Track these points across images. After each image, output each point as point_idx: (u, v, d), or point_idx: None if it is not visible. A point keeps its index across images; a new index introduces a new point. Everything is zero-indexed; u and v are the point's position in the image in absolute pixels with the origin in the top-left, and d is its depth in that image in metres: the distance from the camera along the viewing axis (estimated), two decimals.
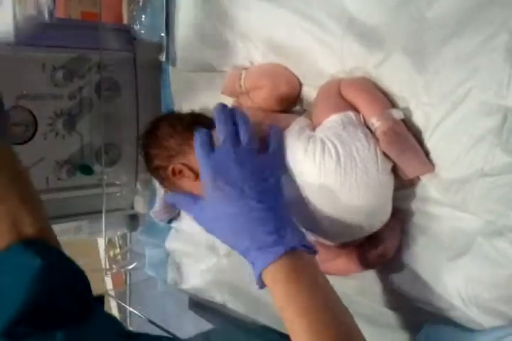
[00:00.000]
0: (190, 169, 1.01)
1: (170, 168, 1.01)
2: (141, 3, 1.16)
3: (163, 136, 1.03)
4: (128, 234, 1.48)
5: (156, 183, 1.23)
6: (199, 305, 1.35)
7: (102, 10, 1.29)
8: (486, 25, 0.73)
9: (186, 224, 1.20)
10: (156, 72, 1.28)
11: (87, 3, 1.65)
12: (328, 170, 0.81)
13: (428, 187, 0.86)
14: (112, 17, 1.44)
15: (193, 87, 1.15)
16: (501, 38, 0.71)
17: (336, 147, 0.82)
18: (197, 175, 1.01)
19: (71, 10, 1.56)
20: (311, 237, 0.88)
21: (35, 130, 1.18)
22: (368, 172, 0.81)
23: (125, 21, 1.37)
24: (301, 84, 0.98)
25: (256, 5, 0.97)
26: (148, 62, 1.28)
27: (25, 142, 1.18)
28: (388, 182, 0.84)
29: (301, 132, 0.87)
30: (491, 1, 0.72)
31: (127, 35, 1.26)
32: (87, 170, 1.24)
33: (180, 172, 1.02)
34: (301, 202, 0.84)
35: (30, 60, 1.14)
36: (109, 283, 1.81)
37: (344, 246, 0.90)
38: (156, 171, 1.06)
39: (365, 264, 0.90)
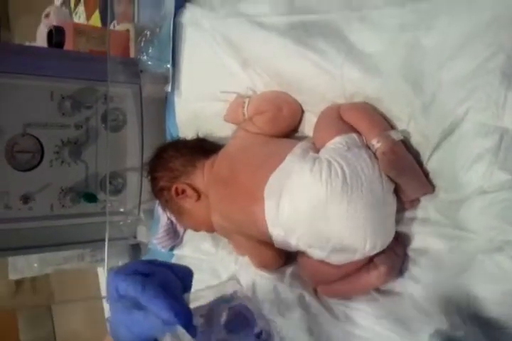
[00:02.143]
0: (193, 189, 1.03)
1: (173, 188, 1.03)
2: (148, 36, 1.20)
3: (169, 159, 1.06)
4: None
5: (159, 211, 1.24)
6: None
7: (110, 45, 1.33)
8: (482, 48, 0.77)
9: (189, 250, 1.21)
10: (161, 103, 1.31)
11: (95, 42, 1.70)
12: (335, 190, 0.83)
13: (428, 208, 0.88)
14: (119, 52, 1.48)
15: (198, 118, 1.18)
16: (497, 60, 0.75)
17: (342, 167, 0.84)
18: (200, 195, 1.03)
19: (80, 47, 1.61)
20: (318, 256, 0.89)
21: (42, 157, 1.20)
22: (374, 192, 0.83)
23: (132, 55, 1.41)
24: (302, 110, 1.01)
25: (259, 35, 1.01)
26: (153, 94, 1.31)
27: (32, 169, 1.19)
28: (392, 201, 0.86)
29: (305, 154, 0.90)
30: (486, 25, 0.76)
31: (134, 68, 1.29)
32: (92, 198, 1.25)
33: (183, 192, 1.04)
34: (307, 220, 0.86)
35: (39, 89, 1.17)
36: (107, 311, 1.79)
37: (348, 266, 0.90)
38: (160, 193, 1.08)
39: (367, 285, 0.91)
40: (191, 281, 0.67)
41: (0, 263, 1.51)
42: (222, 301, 0.74)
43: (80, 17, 2.13)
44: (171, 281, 0.63)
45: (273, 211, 0.88)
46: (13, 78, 1.15)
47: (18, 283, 2.65)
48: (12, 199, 1.18)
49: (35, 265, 1.36)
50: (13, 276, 1.41)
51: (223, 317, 0.71)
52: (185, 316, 0.59)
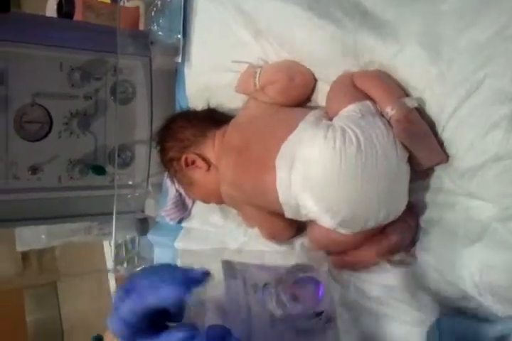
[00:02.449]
0: (203, 159, 1.02)
1: (183, 158, 1.02)
2: (159, 6, 1.19)
3: (179, 129, 1.05)
4: (137, 238, 1.48)
5: (168, 183, 1.24)
6: None
7: (120, 17, 1.31)
8: (501, 14, 0.75)
9: (197, 223, 1.21)
10: (171, 76, 1.30)
11: (105, 18, 1.69)
12: (349, 156, 0.81)
13: (442, 178, 0.87)
14: (129, 25, 1.47)
15: (209, 89, 1.17)
16: None
17: (356, 134, 0.82)
18: (209, 166, 1.02)
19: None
20: (330, 225, 0.88)
21: (51, 128, 1.19)
22: (388, 160, 0.82)
23: (141, 28, 1.39)
24: (315, 79, 0.99)
25: (272, 4, 0.99)
26: (163, 67, 1.30)
27: (40, 139, 1.19)
28: (406, 170, 0.85)
29: (318, 121, 0.88)
30: None
31: (144, 40, 1.28)
32: (100, 170, 1.25)
33: (193, 162, 1.03)
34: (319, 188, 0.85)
35: (48, 59, 1.16)
36: (112, 285, 1.81)
37: (359, 236, 0.89)
38: (169, 163, 1.07)
39: (378, 255, 0.90)
40: None
41: (7, 235, 1.51)
42: (297, 269, 0.74)
43: None
44: None
45: (284, 179, 0.87)
46: (23, 47, 1.13)
47: (25, 260, 2.67)
48: (20, 170, 1.17)
49: (43, 237, 1.36)
50: (20, 248, 1.41)
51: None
52: None
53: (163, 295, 0.58)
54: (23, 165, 1.17)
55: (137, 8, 1.65)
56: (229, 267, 0.77)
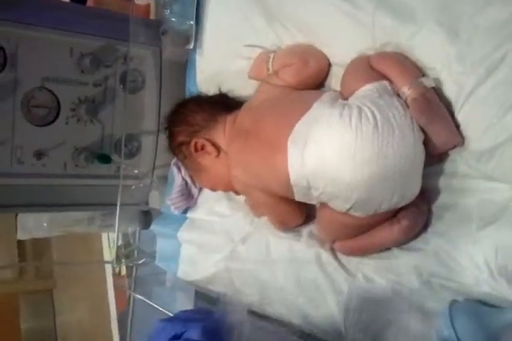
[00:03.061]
0: (213, 144, 1.00)
1: (193, 143, 1.01)
2: None
3: (189, 113, 1.03)
4: (137, 232, 1.46)
5: (174, 171, 1.22)
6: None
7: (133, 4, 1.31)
8: None
9: (203, 213, 1.18)
10: (181, 67, 1.29)
11: (116, 6, 1.69)
12: (366, 135, 0.79)
13: (456, 162, 0.85)
14: (141, 14, 1.47)
15: (220, 76, 1.15)
16: None
17: (373, 112, 0.80)
18: (219, 151, 1.01)
19: None
20: (342, 208, 0.85)
21: (58, 114, 1.18)
22: (405, 140, 0.80)
23: (153, 17, 1.39)
24: (330, 63, 0.98)
25: None
26: (174, 58, 1.29)
27: (47, 125, 1.17)
28: (422, 152, 0.82)
29: (333, 101, 0.87)
30: None
31: (155, 30, 1.27)
32: (106, 159, 1.23)
33: (203, 147, 1.01)
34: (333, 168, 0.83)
35: (58, 43, 1.15)
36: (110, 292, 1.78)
37: (370, 219, 0.87)
38: (178, 148, 1.05)
39: (389, 240, 0.88)
40: None
41: (8, 223, 1.48)
42: None
43: None
44: None
45: (297, 160, 0.85)
46: (34, 30, 1.13)
47: (22, 267, 2.64)
48: (25, 154, 1.16)
49: (45, 225, 1.34)
50: (21, 236, 1.39)
51: None
52: None
53: None
54: (28, 149, 1.16)
55: (148, 5, 1.65)
56: None
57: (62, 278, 2.72)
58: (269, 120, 0.92)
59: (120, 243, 1.52)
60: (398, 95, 0.85)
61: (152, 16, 1.59)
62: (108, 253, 1.91)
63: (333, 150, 0.82)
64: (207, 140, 1.01)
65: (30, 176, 1.17)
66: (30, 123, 1.15)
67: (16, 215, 1.41)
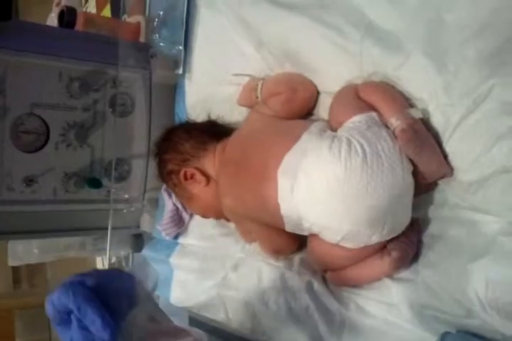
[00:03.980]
0: (203, 173, 1.00)
1: (182, 172, 1.00)
2: (162, 17, 1.18)
3: (178, 141, 1.03)
4: (131, 255, 1.45)
5: (165, 196, 1.21)
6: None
7: (121, 30, 1.31)
8: (508, 23, 0.74)
9: (194, 238, 1.18)
10: (171, 90, 1.29)
11: (105, 33, 1.68)
12: (354, 168, 0.79)
13: (445, 191, 0.85)
14: (129, 38, 1.46)
15: (209, 102, 1.16)
16: None
17: (362, 145, 0.80)
18: (209, 180, 1.00)
19: None
20: (332, 239, 0.85)
21: (47, 139, 1.18)
22: (394, 172, 0.80)
23: (142, 40, 1.39)
24: (318, 91, 0.98)
25: (275, 13, 0.99)
26: (163, 81, 1.29)
27: (36, 151, 1.17)
28: (411, 183, 0.82)
29: (322, 132, 0.87)
30: None
31: (145, 53, 1.27)
32: (96, 183, 1.22)
33: (192, 176, 1.01)
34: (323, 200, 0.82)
35: (47, 69, 1.15)
36: None
37: (361, 251, 0.87)
38: (168, 176, 1.05)
39: (380, 271, 0.87)
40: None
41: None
42: None
43: (90, 12, 2.12)
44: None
45: (287, 191, 0.85)
46: (22, 56, 1.12)
47: (16, 283, 2.63)
48: (15, 181, 1.15)
49: (35, 251, 1.33)
50: (12, 263, 1.38)
51: None
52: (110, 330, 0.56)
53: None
54: (17, 176, 1.15)
55: (138, 23, 1.64)
56: None
57: None
58: (258, 151, 0.92)
59: (112, 264, 1.51)
60: (386, 126, 0.84)
61: (142, 35, 1.59)
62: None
63: (323, 183, 0.81)
64: (196, 169, 1.01)
65: (20, 203, 1.16)
66: (19, 149, 1.15)
67: (6, 242, 1.40)
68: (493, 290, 0.74)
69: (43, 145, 1.17)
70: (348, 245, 0.85)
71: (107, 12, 1.92)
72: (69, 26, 1.39)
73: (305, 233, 0.91)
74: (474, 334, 0.78)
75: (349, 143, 0.81)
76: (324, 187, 0.81)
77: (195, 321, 1.20)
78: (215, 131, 1.05)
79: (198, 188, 1.02)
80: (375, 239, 0.83)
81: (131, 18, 1.71)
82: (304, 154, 0.84)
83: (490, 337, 0.77)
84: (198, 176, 1.00)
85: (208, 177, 1.01)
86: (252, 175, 0.91)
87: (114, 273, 0.65)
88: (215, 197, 1.00)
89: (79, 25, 1.52)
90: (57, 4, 1.79)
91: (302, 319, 0.95)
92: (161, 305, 1.25)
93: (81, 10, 2.10)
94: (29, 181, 1.16)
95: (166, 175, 1.07)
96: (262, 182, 0.88)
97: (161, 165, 1.08)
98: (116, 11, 1.84)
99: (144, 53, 1.27)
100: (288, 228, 0.90)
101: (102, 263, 1.61)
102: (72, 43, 1.21)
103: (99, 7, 2.01)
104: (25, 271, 2.60)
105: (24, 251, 1.33)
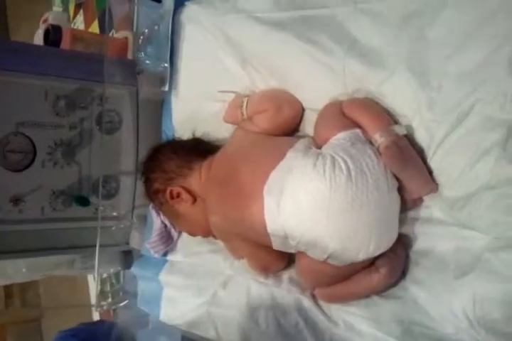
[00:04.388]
0: (189, 192, 1.00)
1: (168, 191, 1.00)
2: (147, 34, 1.18)
3: (164, 159, 1.03)
4: (121, 272, 1.44)
5: (153, 214, 1.21)
6: None
7: (107, 46, 1.31)
8: (488, 39, 0.74)
9: (183, 255, 1.17)
10: (158, 107, 1.28)
11: (93, 48, 1.68)
12: (339, 186, 0.79)
13: (431, 207, 0.85)
14: (117, 54, 1.47)
15: (195, 118, 1.15)
16: (505, 51, 0.73)
17: (346, 162, 0.80)
18: (195, 199, 1.00)
19: None
20: (319, 257, 0.85)
21: (34, 158, 1.17)
22: (379, 188, 0.80)
23: (130, 57, 1.39)
24: (303, 108, 0.98)
25: (258, 30, 0.99)
26: (150, 97, 1.28)
27: (23, 169, 1.16)
28: (397, 200, 0.83)
29: (307, 150, 0.86)
30: (492, 15, 0.74)
31: (131, 69, 1.27)
32: (84, 201, 1.22)
33: (178, 195, 1.01)
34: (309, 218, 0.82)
35: (33, 87, 1.15)
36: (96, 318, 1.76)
37: (348, 268, 0.86)
38: (154, 195, 1.05)
39: (368, 288, 0.87)
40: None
41: None
42: None
43: (78, 27, 2.12)
44: None
45: (273, 209, 0.85)
46: (7, 75, 1.12)
47: (8, 298, 2.61)
48: (2, 201, 1.14)
49: (24, 270, 1.32)
50: (1, 282, 1.36)
51: None
52: None
53: None
54: (4, 196, 1.14)
55: (126, 39, 1.65)
56: None
57: (49, 308, 2.69)
58: (243, 169, 0.92)
59: (104, 279, 1.50)
60: (371, 142, 0.84)
61: (130, 50, 1.59)
62: (93, 286, 1.89)
63: (308, 201, 0.81)
64: (182, 187, 1.00)
65: (7, 223, 1.15)
66: (6, 168, 1.14)
67: None
68: (480, 307, 0.74)
69: (30, 164, 1.17)
70: (335, 262, 0.85)
71: (95, 27, 1.93)
72: (54, 44, 1.39)
73: (292, 251, 0.91)
74: None
75: (333, 160, 0.81)
76: (310, 205, 0.81)
77: (187, 339, 1.20)
78: (200, 149, 1.05)
79: (184, 207, 1.02)
80: (362, 256, 0.83)
81: (119, 34, 1.72)
82: (289, 172, 0.84)
83: None
84: (184, 195, 1.00)
85: (194, 196, 1.01)
86: (238, 193, 0.90)
87: (99, 324, 0.68)
88: (202, 216, 0.99)
89: (66, 42, 1.52)
90: (44, 21, 1.79)
91: (292, 336, 0.94)
92: (151, 323, 1.26)
93: (69, 25, 2.11)
94: (16, 200, 1.15)
95: (152, 194, 1.07)
96: (248, 200, 0.88)
97: (147, 184, 1.08)
98: (104, 26, 1.84)
99: (130, 69, 1.27)
100: (275, 246, 0.90)
101: (93, 277, 1.60)
102: (58, 61, 1.20)
103: (87, 22, 2.02)
104: (17, 287, 2.58)
105: (12, 271, 1.32)
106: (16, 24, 2.52)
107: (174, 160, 1.03)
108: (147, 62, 1.18)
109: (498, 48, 0.73)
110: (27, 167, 1.17)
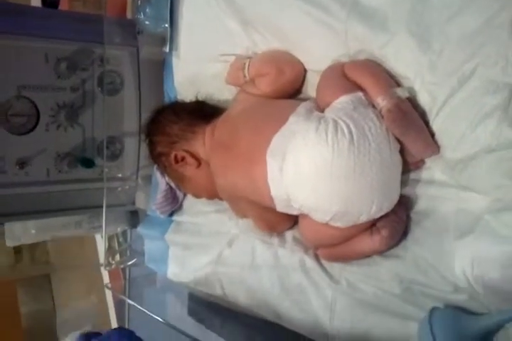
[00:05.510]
0: (193, 156, 1.00)
1: (172, 155, 1.01)
2: None
3: (167, 123, 1.03)
4: (128, 231, 1.47)
5: (158, 176, 1.22)
6: (198, 311, 1.34)
7: (106, 7, 1.29)
8: (490, 2, 0.73)
9: (188, 215, 1.19)
10: (159, 66, 1.28)
11: (92, 6, 1.66)
12: (342, 149, 0.80)
13: (433, 169, 0.86)
14: (117, 13, 1.45)
15: (197, 79, 1.15)
16: (506, 14, 0.71)
17: (348, 126, 0.81)
18: (199, 162, 1.01)
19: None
20: (321, 219, 0.86)
21: (38, 121, 1.18)
22: (381, 152, 0.81)
23: (129, 16, 1.37)
24: (305, 70, 0.97)
25: None
26: (151, 57, 1.28)
27: (27, 133, 1.17)
28: (399, 162, 0.83)
29: (309, 114, 0.87)
30: None
31: (131, 29, 1.26)
32: (89, 163, 1.23)
33: (183, 159, 1.01)
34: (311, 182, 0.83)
35: (33, 50, 1.14)
36: (106, 277, 1.80)
37: (350, 229, 0.88)
38: (158, 159, 1.05)
39: (370, 249, 0.89)
40: None
41: None
42: None
43: None
44: None
45: (276, 173, 0.86)
46: (6, 39, 1.12)
47: (17, 254, 2.66)
48: (7, 164, 1.16)
49: (33, 231, 1.34)
50: (10, 243, 1.39)
51: None
52: None
53: None
54: (10, 159, 1.16)
55: None
56: None
57: (58, 263, 2.74)
58: (246, 133, 0.92)
59: (111, 236, 1.53)
60: (373, 105, 0.84)
61: (129, 9, 1.56)
62: (101, 242, 1.93)
63: (311, 166, 0.82)
64: (186, 151, 1.01)
65: (14, 185, 1.17)
66: (10, 132, 1.15)
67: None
68: (478, 267, 0.76)
69: (34, 127, 1.18)
70: (338, 224, 0.86)
71: None
72: (53, 6, 1.37)
73: (296, 213, 0.92)
74: (462, 309, 0.80)
75: (335, 124, 0.81)
76: (312, 169, 0.82)
77: (194, 297, 1.24)
78: (203, 112, 1.05)
79: (189, 170, 1.03)
80: (364, 218, 0.84)
81: None
82: (292, 137, 0.84)
83: (476, 311, 0.79)
84: (189, 159, 1.01)
85: (198, 160, 1.01)
86: (241, 157, 0.91)
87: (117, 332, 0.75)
88: (207, 179, 1.00)
89: (64, 3, 1.50)
90: None
91: (295, 294, 0.97)
92: (159, 281, 1.30)
93: None
94: (22, 163, 1.17)
95: (156, 157, 1.08)
96: (251, 164, 0.89)
97: (151, 147, 1.08)
98: None
99: (130, 29, 1.26)
100: (279, 208, 0.92)
101: (101, 236, 1.63)
102: (57, 23, 1.20)
103: None
104: (26, 245, 2.62)
105: (21, 232, 1.35)
106: None
107: (177, 123, 1.03)
108: (146, 22, 1.17)
109: (500, 11, 0.72)
110: (31, 130, 1.18)
